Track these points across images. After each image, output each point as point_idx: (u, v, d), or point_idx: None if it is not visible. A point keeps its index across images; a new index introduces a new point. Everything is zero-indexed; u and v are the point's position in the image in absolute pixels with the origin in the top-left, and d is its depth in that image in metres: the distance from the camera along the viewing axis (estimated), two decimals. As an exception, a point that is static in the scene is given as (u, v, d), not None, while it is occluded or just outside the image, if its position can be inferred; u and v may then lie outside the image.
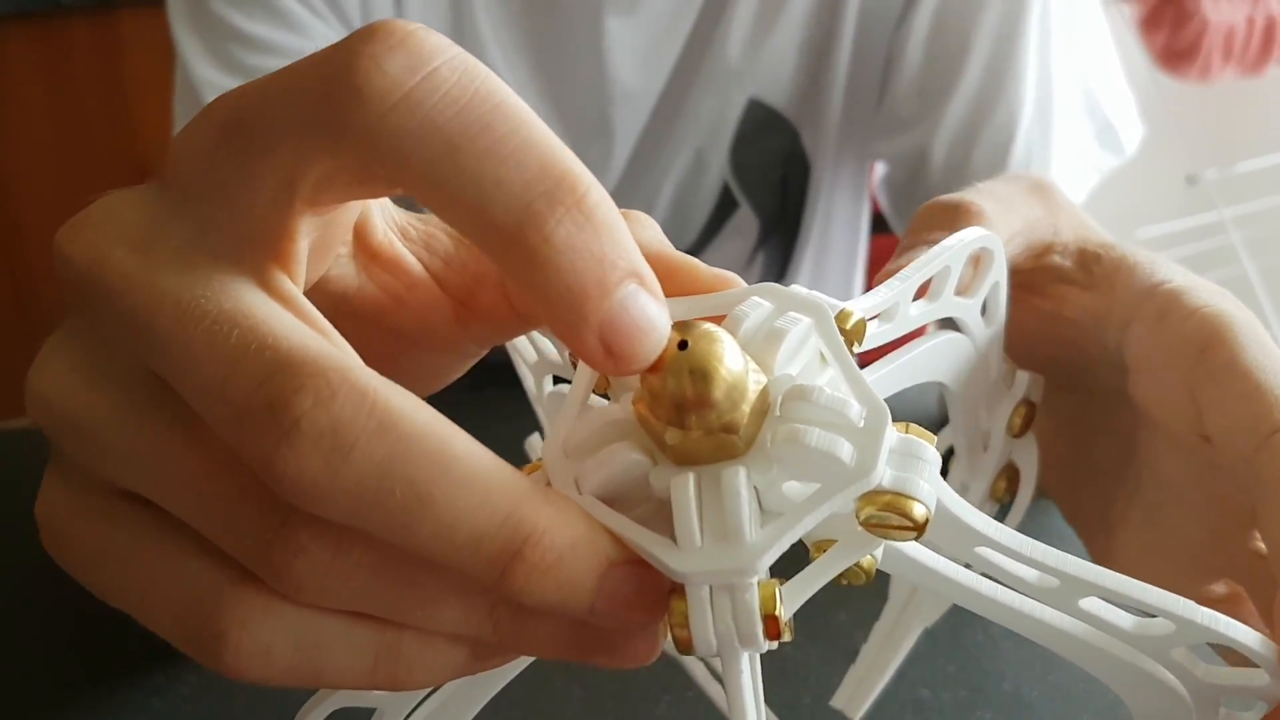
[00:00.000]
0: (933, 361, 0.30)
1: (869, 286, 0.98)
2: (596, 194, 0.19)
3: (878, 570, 0.21)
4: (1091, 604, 0.23)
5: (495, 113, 0.19)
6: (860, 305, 0.23)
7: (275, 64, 0.66)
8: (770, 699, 0.48)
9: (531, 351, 0.31)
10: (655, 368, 0.19)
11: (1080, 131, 0.74)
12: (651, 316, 0.19)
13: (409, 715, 0.23)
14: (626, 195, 0.75)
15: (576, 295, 0.19)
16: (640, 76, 0.72)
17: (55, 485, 0.21)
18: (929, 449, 0.21)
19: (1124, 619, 0.24)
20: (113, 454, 0.20)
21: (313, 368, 0.18)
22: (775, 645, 0.20)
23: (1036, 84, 0.70)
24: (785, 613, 0.19)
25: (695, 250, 0.77)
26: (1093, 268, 0.34)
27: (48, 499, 0.21)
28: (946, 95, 0.70)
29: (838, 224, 0.80)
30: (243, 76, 0.67)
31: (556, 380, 0.31)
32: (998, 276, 0.31)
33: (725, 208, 0.76)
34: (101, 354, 0.20)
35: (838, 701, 0.36)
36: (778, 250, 0.78)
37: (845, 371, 0.21)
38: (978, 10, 0.69)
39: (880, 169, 0.78)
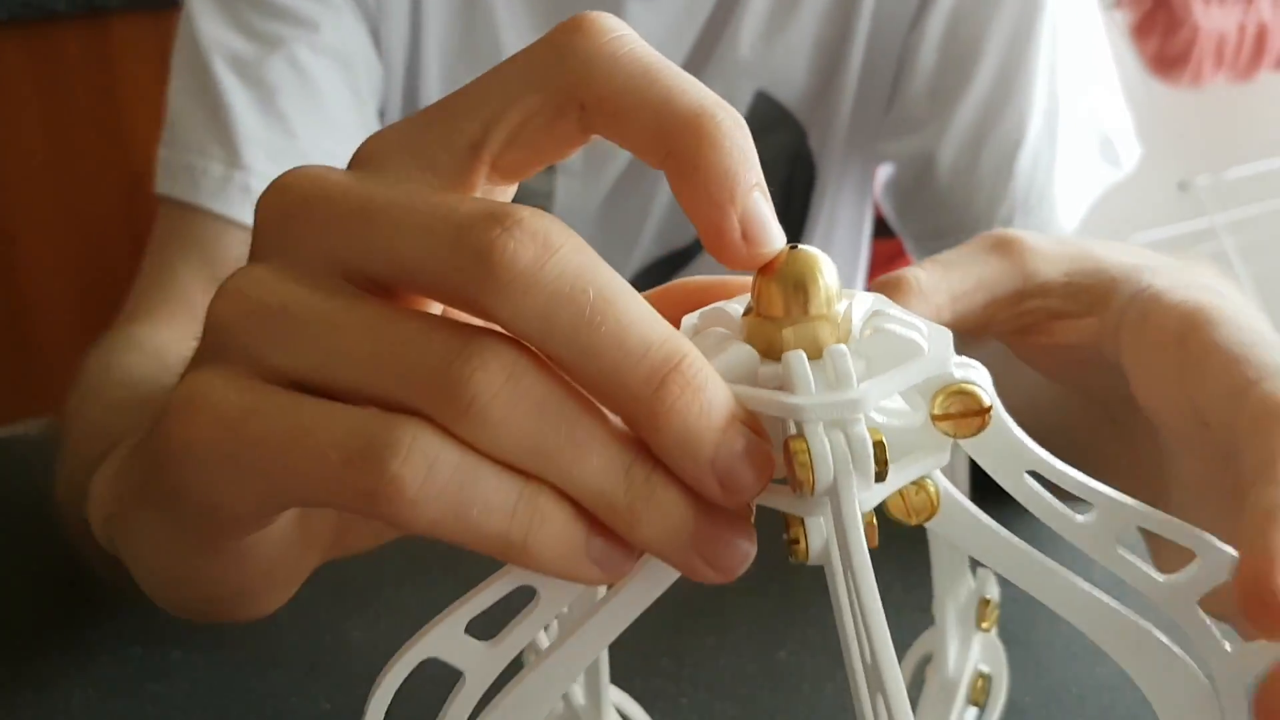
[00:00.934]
0: None
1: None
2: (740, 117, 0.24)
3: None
4: (1127, 554, 0.26)
5: (670, 63, 0.25)
6: None
7: (286, 31, 0.66)
8: (768, 683, 0.48)
9: None
10: (767, 270, 0.24)
11: (1085, 142, 0.74)
12: (773, 218, 0.24)
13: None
14: (631, 185, 0.75)
15: (731, 176, 0.23)
16: None
17: (204, 372, 0.24)
18: (980, 364, 0.24)
19: (1154, 571, 0.26)
20: (298, 325, 0.23)
21: (526, 209, 0.22)
22: (881, 484, 0.23)
23: (1046, 91, 0.70)
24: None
25: (698, 247, 0.77)
26: (1083, 297, 0.35)
27: (193, 381, 0.24)
28: (957, 98, 0.70)
29: (841, 227, 0.79)
30: (252, 38, 0.66)
31: None
32: None
33: None
34: (293, 259, 0.24)
35: None
36: (781, 252, 0.78)
37: (910, 315, 0.25)
38: (991, 14, 0.69)
39: (884, 174, 0.78)
